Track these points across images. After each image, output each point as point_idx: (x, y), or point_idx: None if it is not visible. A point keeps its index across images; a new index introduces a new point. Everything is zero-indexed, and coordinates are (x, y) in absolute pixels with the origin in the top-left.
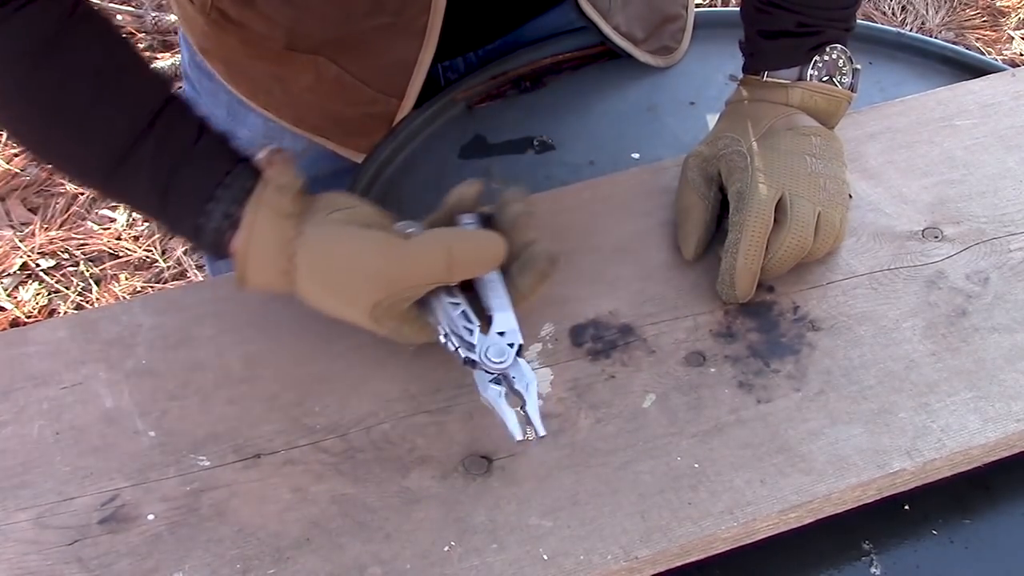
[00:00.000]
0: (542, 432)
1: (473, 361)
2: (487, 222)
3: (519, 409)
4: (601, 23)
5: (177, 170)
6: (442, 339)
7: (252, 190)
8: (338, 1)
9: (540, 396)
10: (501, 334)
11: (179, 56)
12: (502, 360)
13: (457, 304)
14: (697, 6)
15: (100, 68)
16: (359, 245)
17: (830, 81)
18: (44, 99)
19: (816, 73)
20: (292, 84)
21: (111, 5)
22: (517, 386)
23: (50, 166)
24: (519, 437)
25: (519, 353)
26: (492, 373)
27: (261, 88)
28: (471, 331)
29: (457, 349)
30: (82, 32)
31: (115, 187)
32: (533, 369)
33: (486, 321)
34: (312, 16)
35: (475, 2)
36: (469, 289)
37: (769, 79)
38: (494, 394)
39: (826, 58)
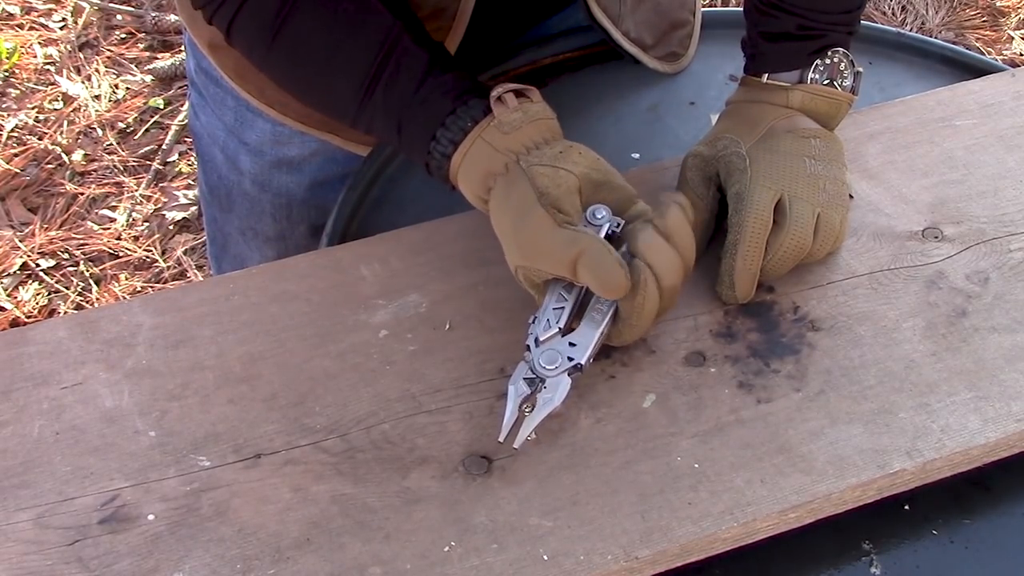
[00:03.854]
0: (515, 446)
1: (528, 351)
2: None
3: (526, 410)
4: (611, 28)
5: (404, 113)
6: (530, 319)
7: (470, 130)
8: None
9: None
10: (572, 345)
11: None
12: (550, 368)
13: (563, 298)
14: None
15: (330, 21)
16: (521, 215)
17: (831, 84)
18: (289, 58)
19: (817, 76)
20: None
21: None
22: (540, 396)
23: (315, 111)
24: (500, 439)
25: (575, 371)
26: (534, 374)
27: (270, 84)
28: (549, 328)
29: (529, 334)
30: None
31: (360, 128)
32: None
33: (573, 327)
34: None
35: (493, 8)
36: None
37: (770, 81)
38: (514, 391)
39: (827, 61)
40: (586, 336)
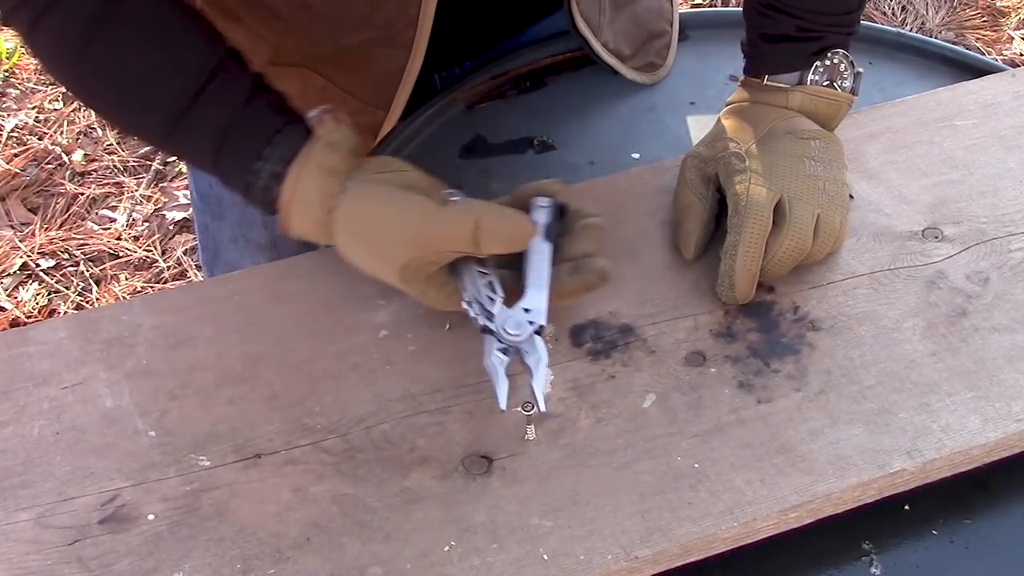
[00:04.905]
0: (543, 408)
1: (489, 329)
2: (561, 212)
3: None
4: (591, 39)
5: (228, 131)
6: (464, 304)
7: (300, 149)
8: (327, 16)
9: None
10: (527, 311)
11: None
12: (518, 333)
13: (485, 274)
14: (697, 6)
15: (153, 33)
16: (394, 205)
17: (831, 85)
18: (103, 66)
19: (817, 78)
20: None
21: None
22: (528, 361)
23: (113, 126)
24: (503, 407)
25: (538, 333)
26: (503, 343)
27: None
28: (493, 301)
29: (476, 316)
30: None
31: (172, 146)
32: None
33: (516, 297)
34: (299, 31)
35: (466, 13)
36: (508, 267)
37: (769, 82)
38: (496, 361)
39: (827, 63)
40: (536, 299)
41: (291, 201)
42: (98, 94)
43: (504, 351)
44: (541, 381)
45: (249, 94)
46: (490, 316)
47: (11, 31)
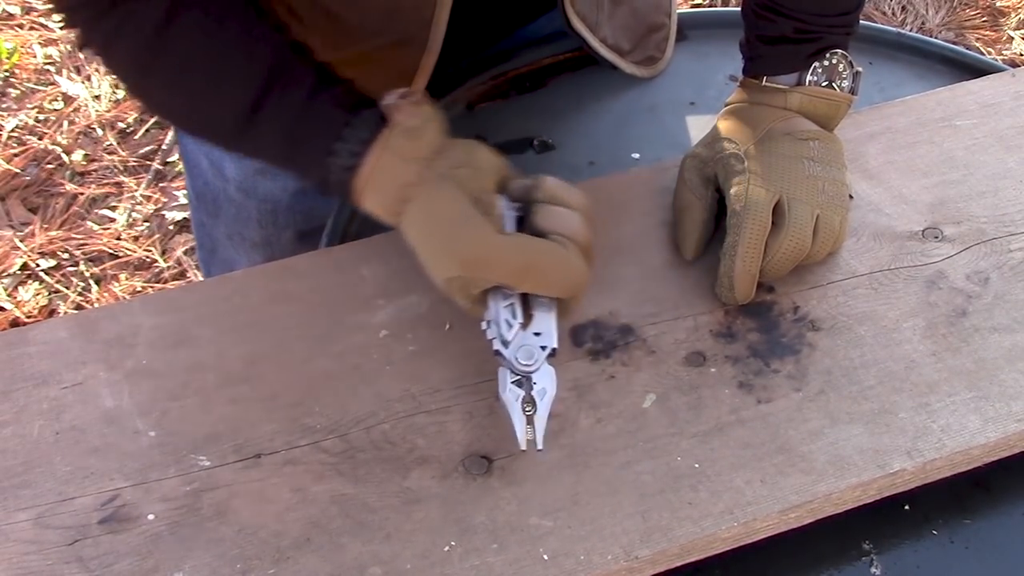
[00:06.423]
0: (540, 446)
1: (503, 355)
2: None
3: (527, 410)
4: (588, 36)
5: (294, 134)
6: (483, 325)
7: (371, 140)
8: (346, 21)
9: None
10: (537, 334)
11: None
12: (530, 363)
13: (508, 296)
14: (696, 6)
15: (209, 43)
16: (455, 223)
17: (829, 86)
18: (167, 81)
19: (815, 78)
20: None
21: None
22: (535, 392)
23: (191, 132)
24: (522, 447)
25: (551, 356)
26: (516, 375)
27: None
28: (510, 326)
29: (492, 339)
30: (191, 8)
31: (247, 147)
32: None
33: (530, 319)
34: (313, 36)
35: (471, 13)
36: None
37: (768, 83)
38: (511, 397)
39: (826, 63)
40: (545, 322)
41: (366, 187)
42: (170, 104)
43: (518, 383)
44: (544, 417)
45: (310, 92)
46: (505, 342)
47: (91, 54)
